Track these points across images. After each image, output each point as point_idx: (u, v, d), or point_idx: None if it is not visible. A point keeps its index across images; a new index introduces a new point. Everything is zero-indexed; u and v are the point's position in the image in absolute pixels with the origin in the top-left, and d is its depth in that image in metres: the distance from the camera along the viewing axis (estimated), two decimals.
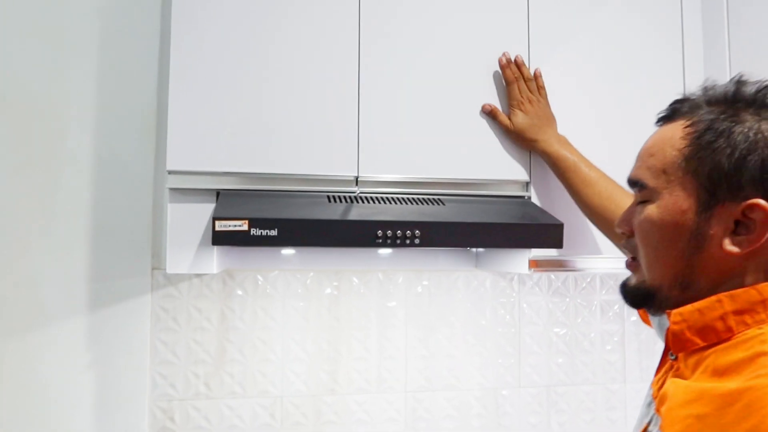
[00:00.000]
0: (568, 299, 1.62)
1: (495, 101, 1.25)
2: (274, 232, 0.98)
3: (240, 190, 1.14)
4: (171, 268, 1.11)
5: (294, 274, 1.48)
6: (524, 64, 1.23)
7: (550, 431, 1.59)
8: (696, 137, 0.61)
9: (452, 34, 1.24)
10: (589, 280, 1.64)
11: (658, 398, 0.64)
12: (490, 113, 1.23)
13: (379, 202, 1.13)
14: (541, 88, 1.23)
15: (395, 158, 1.19)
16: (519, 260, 1.29)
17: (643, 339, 1.66)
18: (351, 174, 1.17)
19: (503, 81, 1.24)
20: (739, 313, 0.59)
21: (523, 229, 1.08)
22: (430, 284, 1.55)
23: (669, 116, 0.66)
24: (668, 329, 0.63)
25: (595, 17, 1.32)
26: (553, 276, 1.62)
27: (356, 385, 1.50)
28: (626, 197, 1.06)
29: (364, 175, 1.18)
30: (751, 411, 0.50)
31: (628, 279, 0.70)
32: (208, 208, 1.13)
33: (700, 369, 0.59)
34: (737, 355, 0.56)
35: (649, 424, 0.64)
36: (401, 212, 1.07)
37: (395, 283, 1.53)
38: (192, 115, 1.12)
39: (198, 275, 1.43)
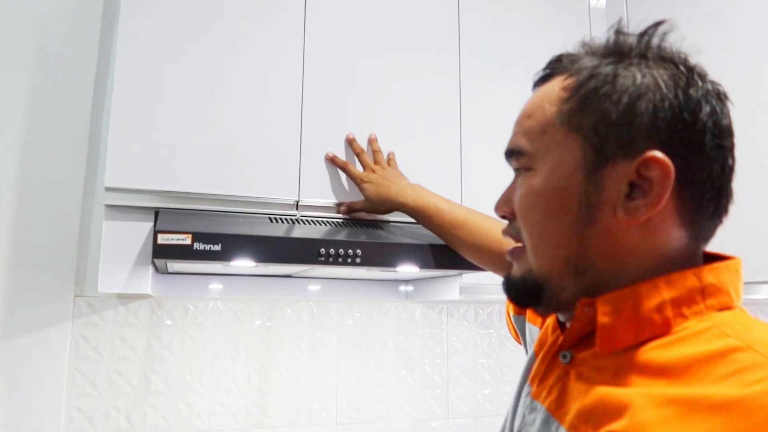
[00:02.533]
0: (492, 331, 1.69)
1: (428, 136, 1.32)
2: (217, 247, 0.98)
3: (179, 209, 1.13)
4: (103, 287, 1.08)
5: (225, 303, 1.46)
6: (354, 140, 1.23)
7: None
8: (577, 87, 0.52)
9: (393, 70, 1.32)
10: None
11: (554, 404, 0.52)
12: (346, 211, 1.20)
13: (320, 225, 1.16)
14: (376, 152, 1.22)
15: (336, 184, 1.23)
16: (450, 287, 1.34)
17: None
18: (292, 198, 1.20)
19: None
20: (677, 303, 0.48)
21: (454, 251, 1.14)
22: (362, 315, 1.57)
23: (546, 76, 0.57)
24: (576, 320, 0.52)
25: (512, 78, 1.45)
26: (479, 309, 1.68)
27: (286, 417, 1.47)
28: (500, 224, 0.99)
29: (305, 200, 1.21)
30: None
31: (511, 271, 0.58)
32: (146, 226, 1.11)
33: (629, 370, 0.47)
34: (691, 349, 0.45)
35: None
36: (343, 233, 1.11)
37: (327, 313, 1.54)
38: (133, 133, 1.11)
39: (124, 303, 1.39)
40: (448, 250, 1.12)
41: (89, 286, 1.36)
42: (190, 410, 1.40)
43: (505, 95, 1.42)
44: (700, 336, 0.46)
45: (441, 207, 1.08)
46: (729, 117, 0.52)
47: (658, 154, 0.48)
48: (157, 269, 1.24)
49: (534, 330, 0.77)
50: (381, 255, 1.08)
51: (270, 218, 1.15)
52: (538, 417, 0.53)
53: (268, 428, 1.45)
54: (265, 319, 1.49)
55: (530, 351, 0.70)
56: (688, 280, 0.49)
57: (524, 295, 0.56)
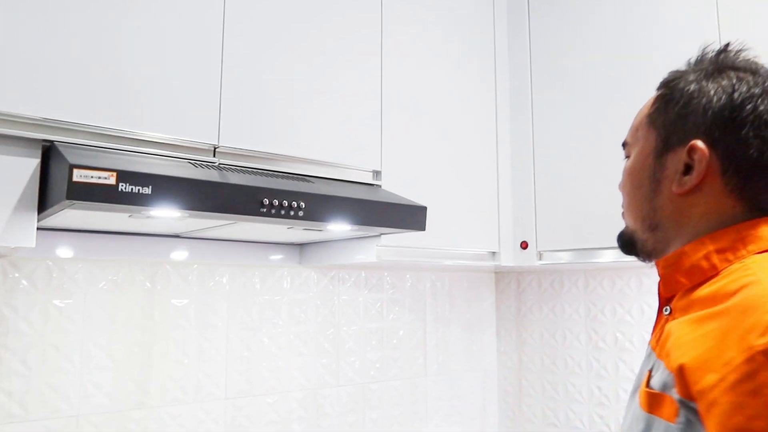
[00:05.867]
0: (381, 296, 1.67)
1: (357, 82, 1.25)
2: (147, 190, 0.81)
3: (73, 144, 0.92)
4: None
5: (99, 265, 1.24)
6: None
7: (364, 429, 1.59)
8: (660, 97, 0.70)
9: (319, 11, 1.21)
10: (399, 278, 1.71)
11: (657, 346, 0.65)
12: None
13: (247, 174, 1.03)
14: None
15: (259, 130, 1.10)
16: (366, 249, 1.29)
17: (440, 336, 1.79)
18: (210, 142, 1.04)
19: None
20: (721, 251, 0.63)
21: (401, 209, 1.08)
22: (254, 281, 1.44)
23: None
24: (659, 279, 0.68)
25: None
26: (370, 275, 1.65)
27: (171, 395, 1.30)
28: None
29: (225, 145, 1.06)
30: (750, 309, 0.53)
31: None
32: (31, 163, 0.88)
33: (693, 307, 0.62)
34: (723, 283, 0.59)
35: (651, 371, 0.63)
36: (281, 183, 0.99)
37: (218, 278, 1.39)
38: (14, 46, 0.87)
39: None
40: (393, 208, 1.07)
41: None
42: (56, 393, 1.16)
43: (425, 57, 1.40)
44: (733, 273, 0.60)
45: None
46: None
47: (698, 143, 0.64)
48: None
49: None
50: (325, 209, 0.99)
51: (191, 163, 0.99)
52: (646, 355, 0.68)
53: (149, 408, 1.27)
54: (147, 285, 1.29)
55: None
56: (729, 233, 0.63)
57: (624, 245, 0.75)
